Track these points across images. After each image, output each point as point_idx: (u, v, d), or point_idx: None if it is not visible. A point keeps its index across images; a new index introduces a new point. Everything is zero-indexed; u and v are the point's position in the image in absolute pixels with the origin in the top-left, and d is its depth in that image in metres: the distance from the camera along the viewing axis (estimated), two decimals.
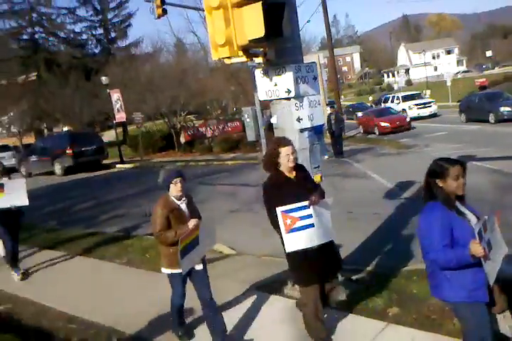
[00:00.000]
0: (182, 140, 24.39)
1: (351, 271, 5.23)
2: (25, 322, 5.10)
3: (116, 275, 6.42)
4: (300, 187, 3.70)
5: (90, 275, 6.44)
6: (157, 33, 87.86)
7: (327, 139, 16.85)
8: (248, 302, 4.89)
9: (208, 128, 24.76)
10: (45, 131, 35.82)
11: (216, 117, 28.03)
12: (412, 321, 4.07)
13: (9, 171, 7.12)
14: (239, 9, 4.28)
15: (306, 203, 3.51)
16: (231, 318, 4.38)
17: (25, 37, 36.92)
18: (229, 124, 25.31)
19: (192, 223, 3.82)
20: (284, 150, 3.69)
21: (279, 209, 3.47)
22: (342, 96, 32.19)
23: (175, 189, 3.92)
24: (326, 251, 3.70)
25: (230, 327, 4.16)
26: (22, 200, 6.40)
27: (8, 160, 24.46)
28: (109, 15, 39.13)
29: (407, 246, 6.07)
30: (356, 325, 4.17)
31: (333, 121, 17.01)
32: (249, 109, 19.25)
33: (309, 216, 3.53)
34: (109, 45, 39.63)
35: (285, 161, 3.70)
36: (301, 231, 3.51)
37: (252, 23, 4.18)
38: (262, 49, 4.91)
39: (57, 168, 21.00)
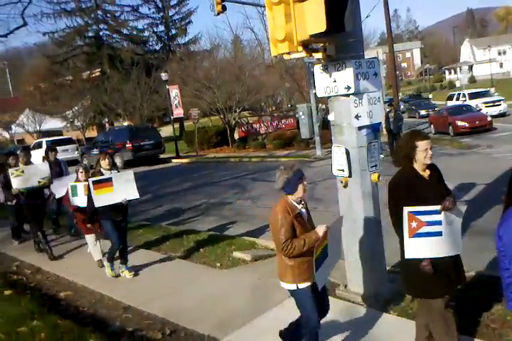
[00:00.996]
0: (236, 136, 24.60)
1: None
2: (84, 310, 5.30)
3: (175, 268, 6.47)
4: (433, 188, 3.35)
5: (148, 268, 6.54)
6: (215, 29, 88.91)
7: (383, 138, 16.46)
8: None
9: (262, 125, 24.83)
10: (107, 125, 37.21)
11: (270, 114, 28.05)
12: (474, 330, 3.87)
13: (114, 164, 6.38)
14: (300, 4, 4.21)
15: (437, 207, 3.14)
16: (285, 319, 4.34)
17: (90, 34, 38.40)
18: (283, 121, 25.26)
19: (322, 230, 3.36)
20: (422, 145, 3.33)
21: (406, 209, 3.14)
22: (400, 94, 31.29)
23: (301, 190, 3.46)
24: (455, 262, 3.37)
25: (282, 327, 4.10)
26: (132, 194, 6.04)
27: (71, 152, 25.55)
28: (170, 13, 40.04)
29: (466, 251, 5.79)
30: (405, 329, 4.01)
31: (391, 119, 16.55)
32: (304, 106, 19.14)
33: (438, 222, 3.15)
34: (169, 42, 40.58)
35: (421, 157, 3.34)
36: (426, 238, 3.17)
37: (314, 18, 4.10)
38: (322, 44, 4.82)
39: (118, 162, 21.73)
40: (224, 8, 14.36)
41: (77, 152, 25.96)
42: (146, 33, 40.28)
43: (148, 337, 4.45)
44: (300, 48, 4.58)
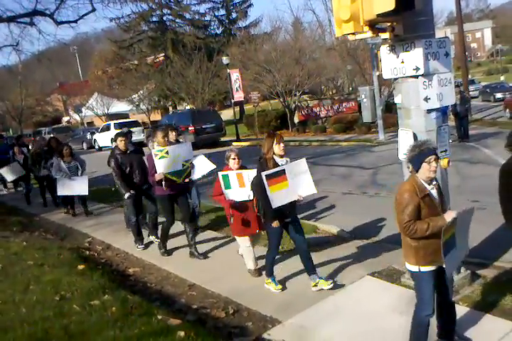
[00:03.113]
0: (296, 120, 24.42)
1: (476, 264, 4.87)
2: (151, 286, 5.55)
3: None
4: None
5: (214, 249, 6.64)
6: (276, 12, 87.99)
7: (451, 121, 15.72)
8: (364, 288, 4.80)
9: (322, 108, 24.48)
10: (170, 108, 38.13)
11: (331, 97, 27.56)
12: None
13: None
14: None
15: None
16: (347, 304, 4.34)
17: (154, 19, 39.19)
18: (344, 104, 24.79)
19: (450, 216, 3.17)
20: None
21: None
22: (469, 76, 29.59)
23: (428, 170, 3.22)
24: None
25: (346, 313, 4.11)
26: (308, 188, 4.91)
27: (138, 135, 26.40)
28: None
29: None
30: (482, 324, 3.87)
31: (458, 102, 15.77)
32: (367, 89, 18.63)
33: None
34: (230, 26, 40.68)
35: None
36: None
37: None
38: (389, 24, 4.64)
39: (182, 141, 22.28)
40: None
41: (143, 134, 26.83)
42: (208, 17, 40.62)
43: (212, 315, 4.59)
44: (366, 28, 4.44)
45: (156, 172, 5.94)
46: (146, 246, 7.04)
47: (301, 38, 28.95)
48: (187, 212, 6.35)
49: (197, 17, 39.79)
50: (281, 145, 4.68)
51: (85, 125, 42.72)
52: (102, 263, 6.54)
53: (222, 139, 23.83)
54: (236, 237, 5.45)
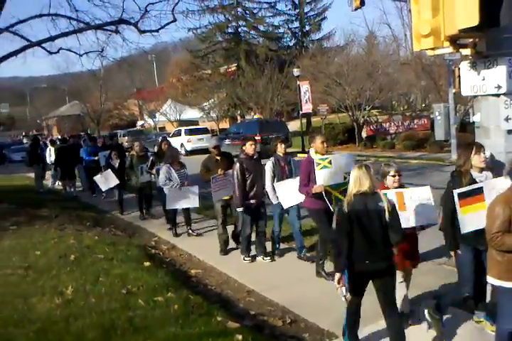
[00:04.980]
0: (364, 134, 24.06)
1: None
2: (211, 288, 5.70)
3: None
4: None
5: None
6: (350, 25, 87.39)
7: None
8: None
9: (392, 124, 23.95)
10: (239, 117, 38.86)
11: (402, 113, 26.92)
12: None
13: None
14: None
15: None
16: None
17: (230, 30, 40.23)
18: (415, 121, 24.10)
19: None
20: None
21: None
22: None
23: None
24: None
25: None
26: None
27: (207, 142, 27.18)
28: (306, 9, 40.23)
29: None
30: None
31: None
32: (441, 106, 18.01)
33: None
34: (302, 38, 40.91)
35: None
36: None
37: (465, 11, 3.88)
38: (471, 39, 4.55)
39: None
40: (362, 3, 14.07)
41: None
42: (281, 30, 41.07)
43: (270, 323, 4.64)
44: (447, 43, 4.38)
45: (308, 182, 5.41)
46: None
47: (375, 52, 28.61)
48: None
49: (271, 29, 40.38)
50: (482, 155, 4.01)
51: (157, 130, 44.45)
52: (166, 262, 6.80)
53: (288, 150, 23.90)
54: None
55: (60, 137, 27.57)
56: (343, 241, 3.70)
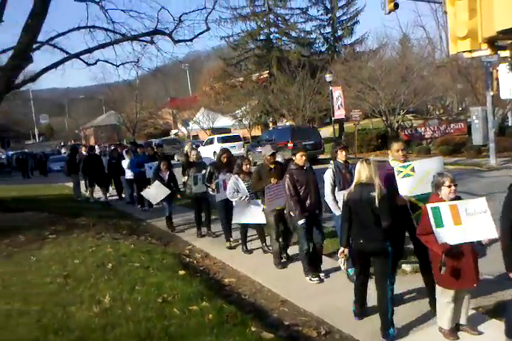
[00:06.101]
0: None
1: None
2: (245, 298, 5.67)
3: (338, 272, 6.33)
4: None
5: None
6: (383, 28, 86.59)
7: None
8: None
9: (428, 129, 23.45)
10: (271, 124, 38.94)
11: (438, 117, 26.35)
12: None
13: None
14: None
15: None
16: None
17: (261, 37, 40.45)
18: (452, 125, 23.51)
19: None
20: None
21: None
22: None
23: None
24: None
25: None
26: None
27: (239, 149, 27.34)
28: (338, 14, 40.03)
29: None
30: None
31: None
32: (479, 110, 17.55)
33: None
34: (335, 43, 40.71)
35: None
36: None
37: (504, 12, 3.77)
38: (510, 41, 4.41)
39: (279, 159, 22.62)
40: (396, 6, 13.96)
41: (243, 149, 27.66)
42: (313, 35, 41.00)
43: (304, 333, 4.57)
44: (484, 45, 4.27)
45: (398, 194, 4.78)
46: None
47: (409, 55, 28.17)
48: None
49: (303, 35, 40.38)
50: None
51: (191, 138, 45.06)
52: (200, 270, 6.82)
53: (321, 157, 23.77)
54: (438, 287, 4.27)
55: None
56: (344, 224, 4.61)
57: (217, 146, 27.83)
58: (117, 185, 14.48)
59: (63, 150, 46.29)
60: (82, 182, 15.51)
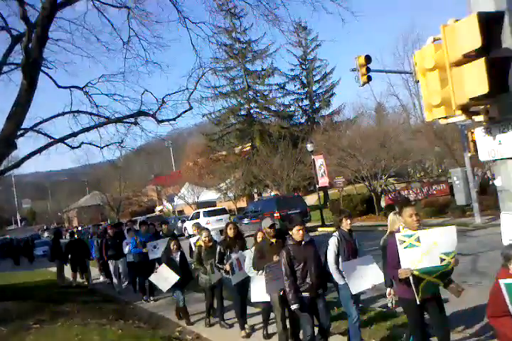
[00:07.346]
0: (383, 204, 23.81)
1: None
2: None
3: None
4: None
5: None
6: (358, 98, 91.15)
7: None
8: None
9: (411, 191, 23.76)
10: (255, 195, 39.08)
11: (420, 180, 26.85)
12: None
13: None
14: (458, 68, 4.13)
15: None
16: None
17: (242, 112, 41.90)
18: (434, 187, 23.91)
19: None
20: None
21: None
22: None
23: None
24: None
25: None
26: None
27: (225, 222, 27.04)
28: (314, 88, 42.05)
29: None
30: None
31: None
32: (459, 170, 17.93)
33: None
34: (313, 114, 42.28)
35: None
36: None
37: (474, 81, 3.97)
38: (482, 106, 4.60)
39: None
40: (369, 78, 14.72)
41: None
42: (292, 108, 42.63)
43: None
44: (459, 112, 4.44)
45: (399, 265, 4.39)
46: None
47: (385, 122, 29.28)
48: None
49: (282, 108, 41.95)
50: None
51: (176, 213, 44.71)
52: None
53: (308, 225, 23.64)
54: None
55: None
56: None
57: (203, 220, 27.58)
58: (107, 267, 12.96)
59: (46, 234, 45.19)
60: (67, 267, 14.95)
